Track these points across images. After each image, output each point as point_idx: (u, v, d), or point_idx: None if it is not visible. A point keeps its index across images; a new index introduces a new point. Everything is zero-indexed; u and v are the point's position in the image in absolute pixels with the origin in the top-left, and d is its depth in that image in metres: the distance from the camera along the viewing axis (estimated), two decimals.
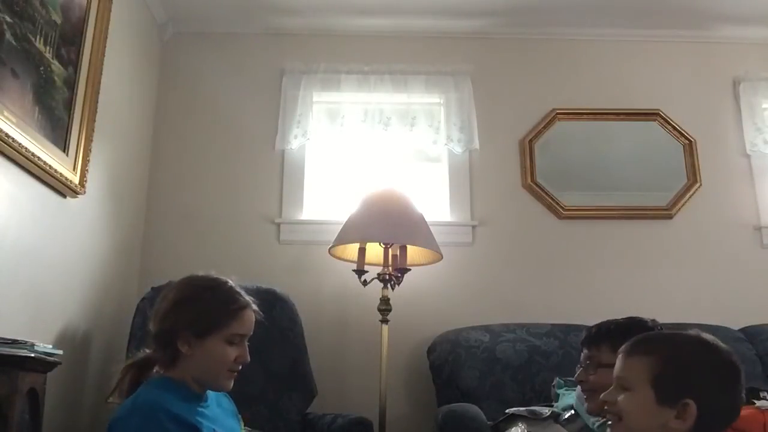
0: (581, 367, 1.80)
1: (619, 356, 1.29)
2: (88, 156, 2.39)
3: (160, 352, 1.45)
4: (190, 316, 1.44)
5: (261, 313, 1.55)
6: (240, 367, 1.48)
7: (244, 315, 1.48)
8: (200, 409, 1.46)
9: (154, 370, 1.49)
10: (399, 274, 2.67)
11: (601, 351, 1.71)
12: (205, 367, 1.43)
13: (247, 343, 1.50)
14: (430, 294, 3.00)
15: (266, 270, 2.98)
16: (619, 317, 1.81)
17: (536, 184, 3.20)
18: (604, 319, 1.94)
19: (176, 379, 1.44)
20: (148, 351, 1.49)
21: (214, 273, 1.55)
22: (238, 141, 3.23)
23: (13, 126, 1.91)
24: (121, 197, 2.84)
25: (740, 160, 3.28)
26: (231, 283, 1.53)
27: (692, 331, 1.28)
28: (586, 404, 1.82)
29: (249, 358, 1.49)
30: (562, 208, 3.18)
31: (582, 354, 1.81)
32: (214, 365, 1.44)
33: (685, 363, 1.20)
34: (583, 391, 1.79)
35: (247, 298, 1.52)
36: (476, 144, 3.19)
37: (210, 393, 1.52)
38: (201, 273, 1.55)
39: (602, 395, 1.29)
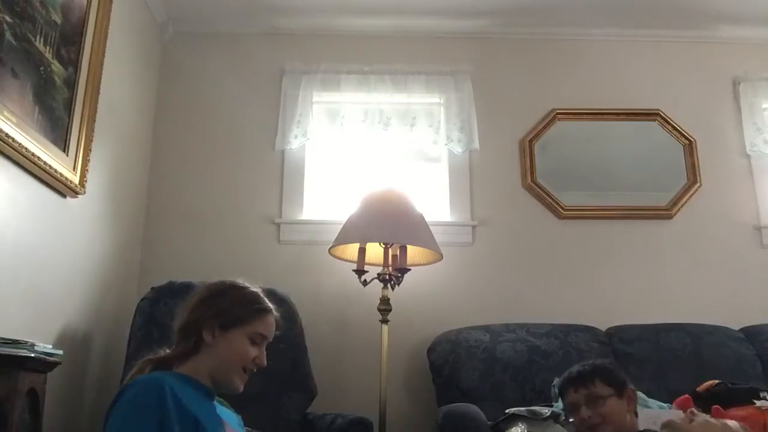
0: (576, 410, 1.86)
1: None
2: (88, 156, 2.40)
3: (183, 343, 1.48)
4: (218, 308, 1.49)
5: (282, 322, 1.60)
6: (255, 369, 1.51)
7: (267, 318, 1.54)
8: (216, 404, 1.48)
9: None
10: (399, 274, 2.67)
11: (596, 385, 1.84)
12: (224, 359, 1.46)
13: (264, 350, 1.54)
14: (430, 294, 3.00)
15: (266, 270, 2.97)
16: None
17: (536, 184, 3.20)
18: (603, 322, 1.95)
19: (189, 374, 1.45)
20: (168, 351, 1.51)
21: (241, 280, 1.60)
22: (238, 141, 3.23)
23: (13, 126, 1.91)
24: (121, 197, 2.84)
25: (740, 160, 3.28)
26: (257, 288, 1.59)
27: None
28: None
29: (265, 363, 1.53)
30: (562, 208, 3.18)
31: (570, 397, 1.90)
32: (233, 359, 1.47)
33: None
34: (587, 428, 1.83)
35: (271, 305, 1.57)
36: (476, 144, 3.19)
37: (216, 405, 1.51)
38: (229, 279, 1.61)
39: None
